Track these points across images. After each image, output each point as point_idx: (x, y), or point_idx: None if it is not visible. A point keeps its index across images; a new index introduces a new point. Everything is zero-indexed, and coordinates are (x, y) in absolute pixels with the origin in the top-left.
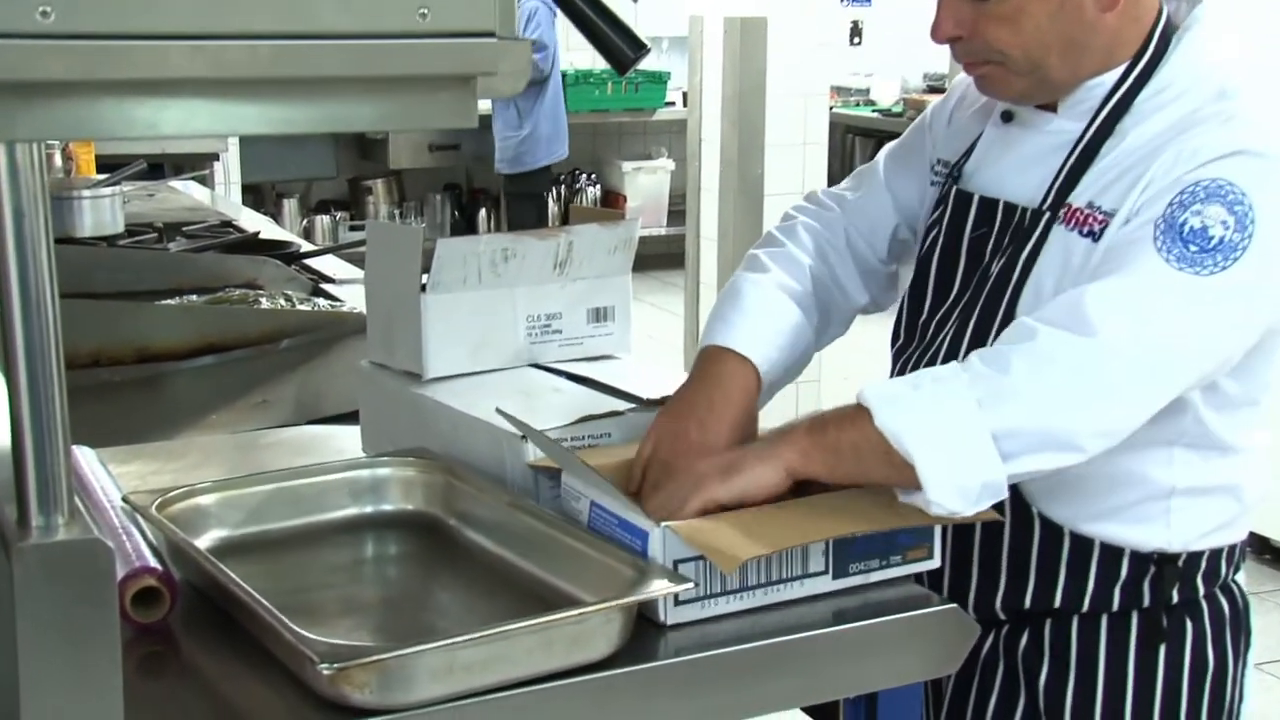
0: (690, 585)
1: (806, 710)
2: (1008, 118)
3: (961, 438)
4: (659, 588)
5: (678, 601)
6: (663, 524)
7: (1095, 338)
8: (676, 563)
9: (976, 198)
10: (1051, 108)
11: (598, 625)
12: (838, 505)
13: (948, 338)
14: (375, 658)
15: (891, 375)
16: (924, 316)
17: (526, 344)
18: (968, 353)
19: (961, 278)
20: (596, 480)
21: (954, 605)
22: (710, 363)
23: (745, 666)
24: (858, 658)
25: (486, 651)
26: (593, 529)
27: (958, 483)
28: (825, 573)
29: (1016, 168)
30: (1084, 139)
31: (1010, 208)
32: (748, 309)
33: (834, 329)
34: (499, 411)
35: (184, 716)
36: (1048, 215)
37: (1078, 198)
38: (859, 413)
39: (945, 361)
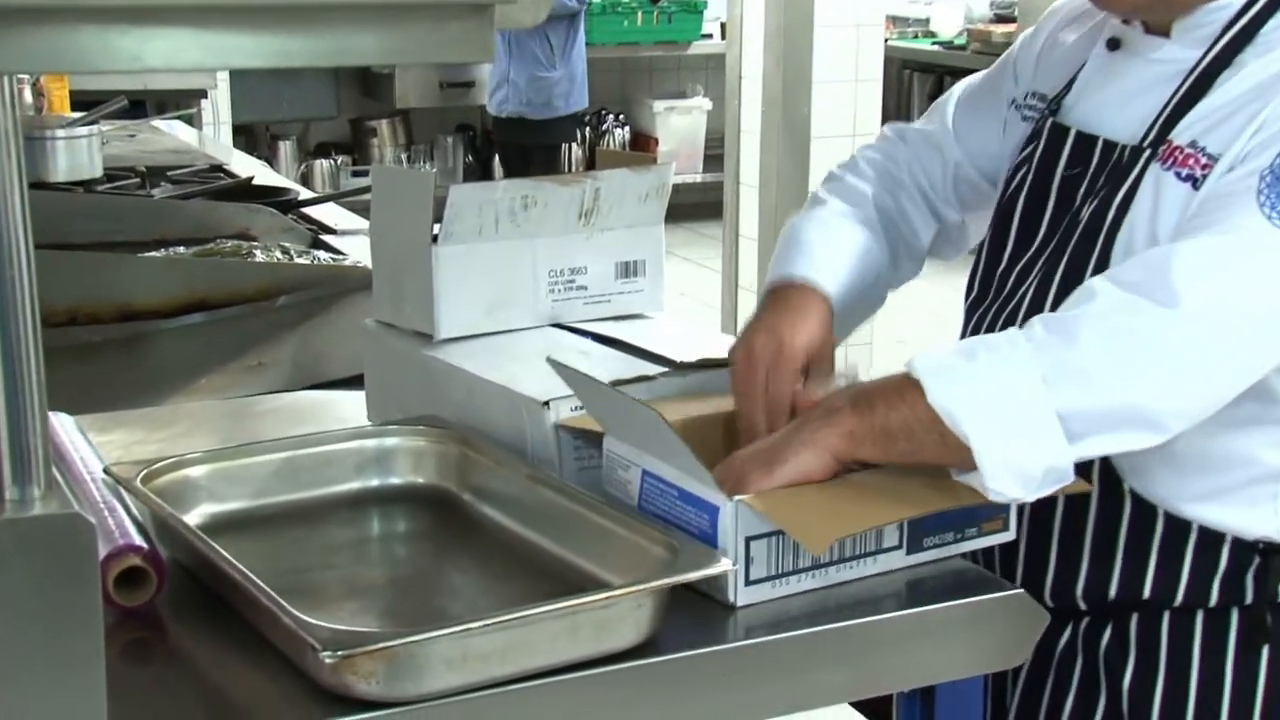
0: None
1: (857, 706)
2: (1114, 45)
3: (1023, 417)
4: (698, 568)
5: (749, 581)
6: (735, 498)
7: (1178, 308)
8: (749, 540)
9: (1073, 133)
10: (1165, 32)
11: (627, 610)
12: (914, 478)
13: (1030, 290)
14: (382, 645)
15: (964, 334)
16: (1003, 266)
17: (548, 301)
18: (1053, 309)
19: (1049, 223)
20: (667, 441)
21: (1020, 591)
22: (773, 298)
23: (787, 657)
24: (914, 647)
25: (505, 638)
26: (643, 505)
27: (1018, 467)
28: (899, 548)
29: (1119, 101)
30: (1197, 69)
31: (1109, 145)
32: (805, 241)
33: (905, 266)
34: (550, 362)
35: (173, 707)
36: (1147, 153)
37: (1180, 135)
38: (908, 387)
39: (1028, 318)
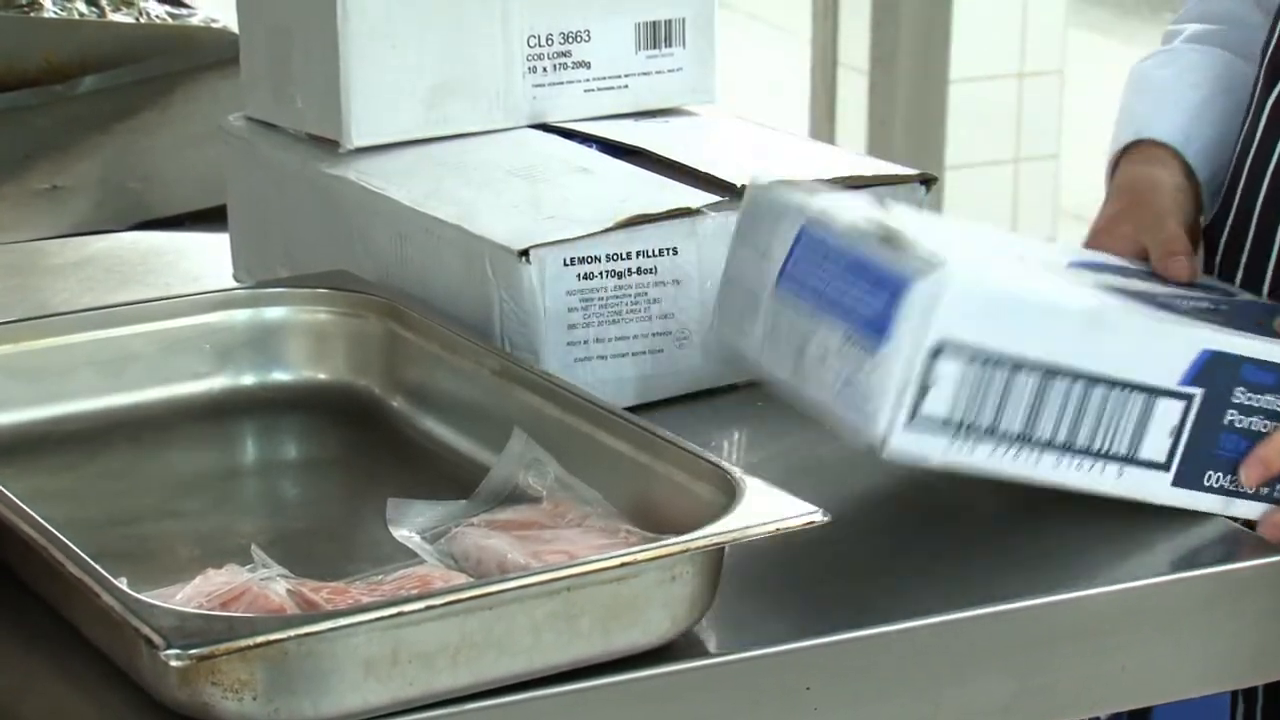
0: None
1: None
2: None
3: None
4: (768, 517)
5: (914, 416)
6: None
7: None
8: (937, 352)
9: None
10: None
11: (654, 585)
12: None
13: None
14: (263, 638)
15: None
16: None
17: (527, 87)
18: None
19: None
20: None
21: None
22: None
23: (917, 657)
24: (1119, 646)
25: (459, 630)
26: (784, 282)
27: None
28: (1162, 467)
29: None
30: None
31: None
32: (1151, 84)
33: None
34: None
35: None
36: None
37: None
38: None
39: None
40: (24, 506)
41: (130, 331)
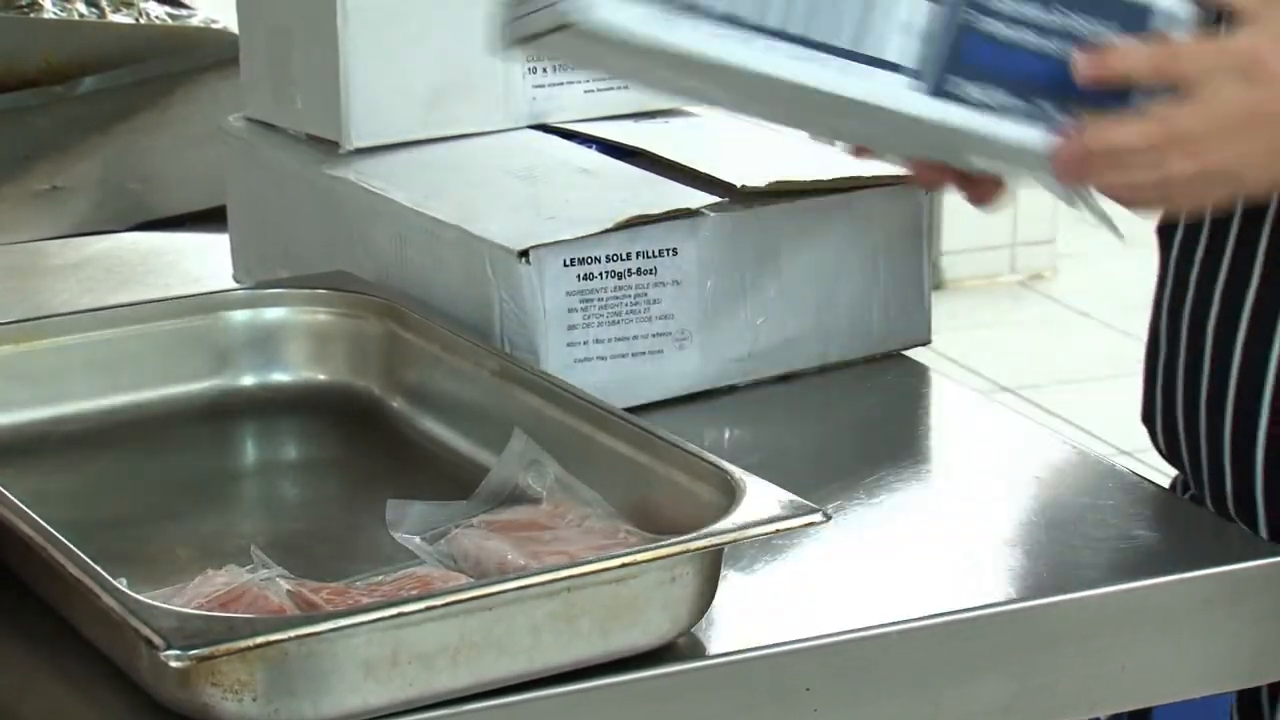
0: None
1: None
2: None
3: None
4: (771, 519)
5: None
6: None
7: None
8: None
9: None
10: None
11: (654, 586)
12: None
13: None
14: (263, 639)
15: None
16: None
17: (527, 88)
18: None
19: None
20: None
21: None
22: None
23: (915, 659)
24: (1118, 647)
25: (459, 630)
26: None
27: None
28: (900, 69)
29: None
30: None
31: None
32: None
33: None
34: None
35: None
36: None
37: None
38: None
39: None
40: (24, 507)
41: (130, 332)
